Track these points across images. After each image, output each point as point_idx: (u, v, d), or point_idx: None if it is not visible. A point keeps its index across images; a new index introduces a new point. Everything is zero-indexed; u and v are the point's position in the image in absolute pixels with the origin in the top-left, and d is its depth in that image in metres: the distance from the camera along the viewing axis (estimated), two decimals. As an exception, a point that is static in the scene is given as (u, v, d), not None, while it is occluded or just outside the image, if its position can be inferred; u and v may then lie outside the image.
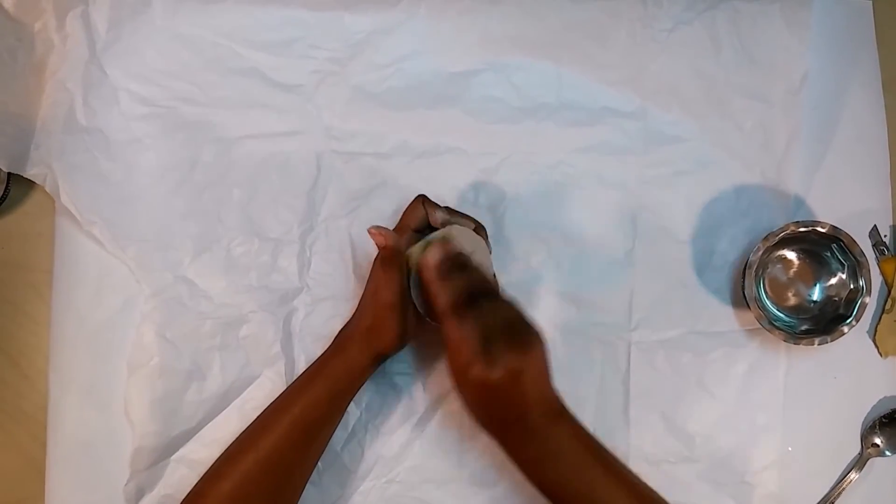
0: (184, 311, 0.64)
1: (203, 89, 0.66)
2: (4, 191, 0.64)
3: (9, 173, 0.64)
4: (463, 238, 0.57)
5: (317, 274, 0.65)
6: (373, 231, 0.55)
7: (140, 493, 0.62)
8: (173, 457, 0.63)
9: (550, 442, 0.51)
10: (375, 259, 0.58)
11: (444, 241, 0.55)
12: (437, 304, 0.52)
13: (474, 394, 0.51)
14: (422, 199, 0.61)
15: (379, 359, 0.59)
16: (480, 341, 0.49)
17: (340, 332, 0.60)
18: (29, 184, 0.65)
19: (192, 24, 0.66)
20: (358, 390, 0.59)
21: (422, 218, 0.60)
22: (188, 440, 0.63)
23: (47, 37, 0.64)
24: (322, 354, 0.60)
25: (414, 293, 0.57)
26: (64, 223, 0.65)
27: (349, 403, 0.59)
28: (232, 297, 0.64)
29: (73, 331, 0.64)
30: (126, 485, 0.62)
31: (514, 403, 0.50)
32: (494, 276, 0.62)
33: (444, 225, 0.59)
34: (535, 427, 0.51)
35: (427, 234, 0.59)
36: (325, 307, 0.65)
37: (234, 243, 0.65)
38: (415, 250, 0.57)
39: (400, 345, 0.59)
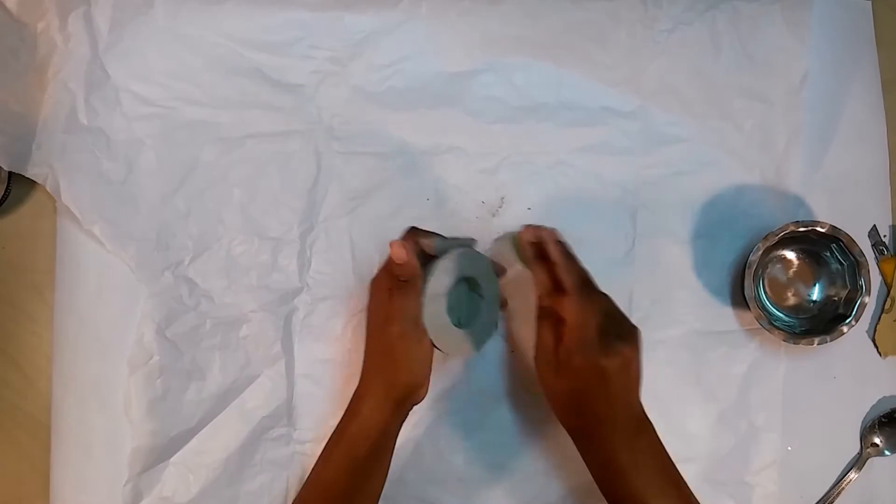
0: (184, 310, 0.64)
1: (204, 89, 0.66)
2: (5, 191, 0.64)
3: (10, 173, 0.64)
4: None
5: (317, 273, 0.65)
6: (394, 243, 0.51)
7: (138, 495, 0.62)
8: (171, 459, 0.63)
9: (635, 452, 0.50)
10: (375, 285, 0.55)
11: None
12: (565, 281, 0.51)
13: (578, 381, 0.50)
14: (412, 232, 0.57)
15: (401, 408, 0.54)
16: (601, 326, 0.49)
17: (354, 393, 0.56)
18: (30, 184, 0.65)
19: (194, 25, 0.66)
20: (390, 449, 0.55)
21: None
22: (188, 440, 0.63)
23: (49, 37, 0.64)
24: (341, 419, 0.55)
25: (431, 319, 0.54)
26: (65, 223, 0.65)
27: (385, 464, 0.55)
28: (232, 296, 0.64)
29: (75, 331, 0.64)
30: (124, 486, 0.62)
31: (612, 399, 0.50)
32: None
33: (440, 251, 0.56)
34: (623, 432, 0.50)
35: (425, 264, 0.56)
36: (325, 307, 0.65)
37: (234, 243, 0.65)
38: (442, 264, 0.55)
39: (422, 384, 0.54)
